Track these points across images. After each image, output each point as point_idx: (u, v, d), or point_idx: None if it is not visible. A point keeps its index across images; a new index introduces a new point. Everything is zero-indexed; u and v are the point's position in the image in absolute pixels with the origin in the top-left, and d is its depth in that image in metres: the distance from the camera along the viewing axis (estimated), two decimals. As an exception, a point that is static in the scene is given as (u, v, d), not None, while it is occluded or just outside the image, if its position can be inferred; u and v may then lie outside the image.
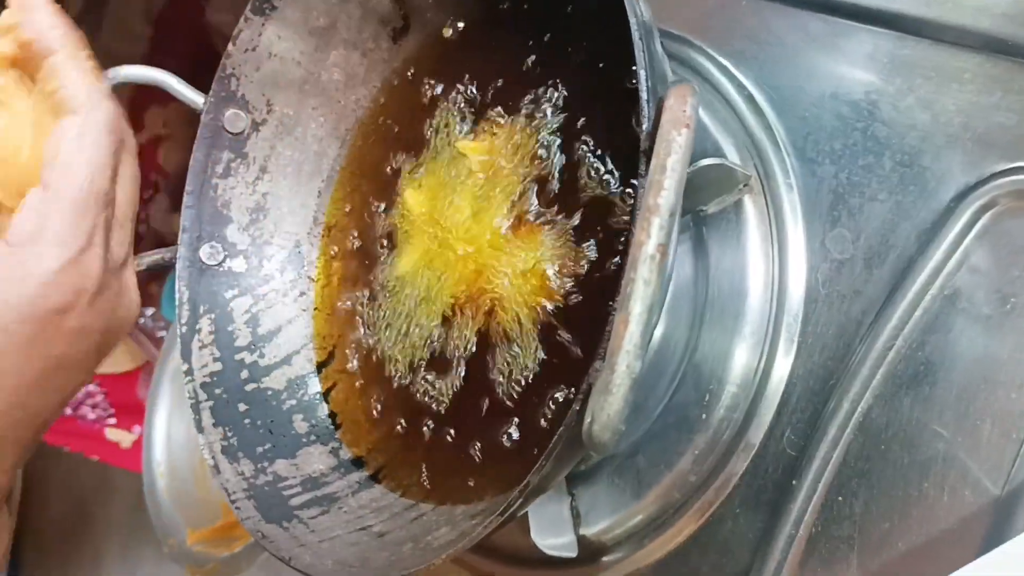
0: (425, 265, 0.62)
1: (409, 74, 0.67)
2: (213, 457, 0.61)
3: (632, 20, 0.42)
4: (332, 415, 0.66)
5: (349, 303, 0.67)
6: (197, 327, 0.65)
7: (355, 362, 0.66)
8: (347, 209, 0.69)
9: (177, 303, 0.65)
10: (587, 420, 0.35)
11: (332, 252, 0.69)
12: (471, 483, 0.57)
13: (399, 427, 0.62)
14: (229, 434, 0.63)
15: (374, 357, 0.65)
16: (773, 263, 0.56)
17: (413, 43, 0.67)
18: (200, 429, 0.62)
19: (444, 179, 0.62)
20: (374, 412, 0.64)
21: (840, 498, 0.53)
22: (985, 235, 0.51)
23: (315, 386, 0.67)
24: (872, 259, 0.53)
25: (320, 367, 0.67)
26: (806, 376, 0.54)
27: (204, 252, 0.67)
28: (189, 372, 0.64)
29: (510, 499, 0.44)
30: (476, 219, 0.60)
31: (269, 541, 0.56)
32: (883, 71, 0.54)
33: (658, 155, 0.37)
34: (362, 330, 0.66)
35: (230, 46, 0.65)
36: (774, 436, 0.55)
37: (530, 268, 0.56)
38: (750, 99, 0.58)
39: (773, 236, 0.56)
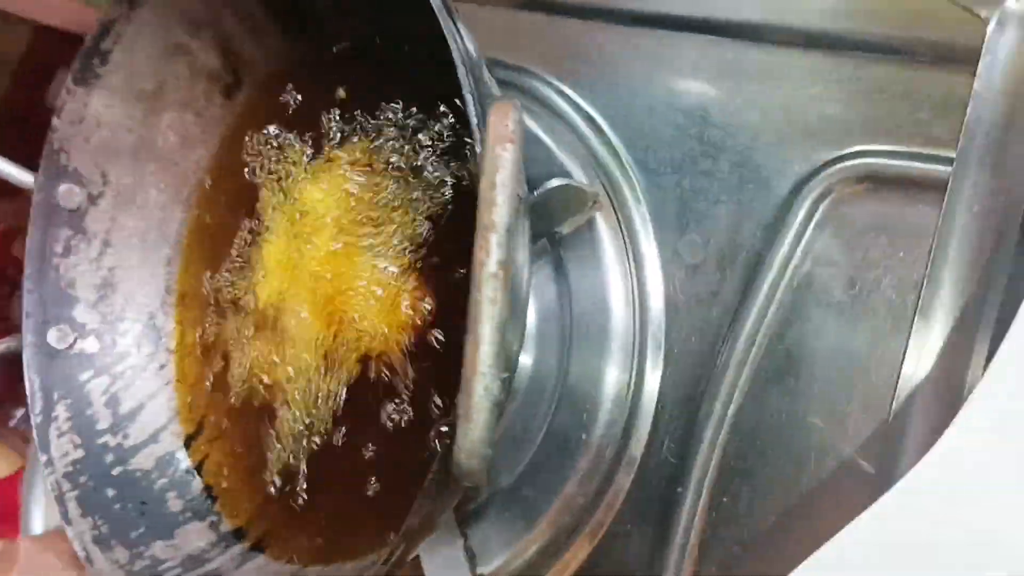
0: (283, 308, 0.61)
1: (245, 128, 0.66)
2: (84, 549, 0.59)
3: (455, 53, 0.42)
4: (207, 488, 0.63)
5: (212, 369, 0.65)
6: (53, 415, 0.63)
7: (225, 428, 0.64)
8: (199, 274, 0.67)
9: (28, 392, 0.62)
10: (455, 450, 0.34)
11: (188, 320, 0.67)
12: (358, 536, 0.55)
13: (273, 490, 0.60)
14: (99, 522, 0.60)
15: (243, 421, 0.63)
16: (631, 277, 0.57)
17: (246, 97, 0.66)
18: (68, 521, 0.60)
19: (293, 228, 0.61)
20: (249, 479, 0.62)
21: (725, 499, 0.54)
22: (826, 223, 0.53)
23: (185, 461, 0.65)
24: (723, 260, 0.55)
25: (189, 440, 0.65)
26: (677, 384, 0.55)
27: (52, 336, 0.64)
28: (49, 463, 0.61)
29: (391, 545, 0.43)
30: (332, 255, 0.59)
31: (152, 629, 0.54)
32: (711, 77, 0.56)
33: (487, 173, 0.37)
34: (230, 395, 0.64)
35: (55, 120, 0.63)
36: (654, 448, 0.55)
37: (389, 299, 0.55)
38: (589, 119, 0.59)
39: (628, 250, 0.57)
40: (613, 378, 0.56)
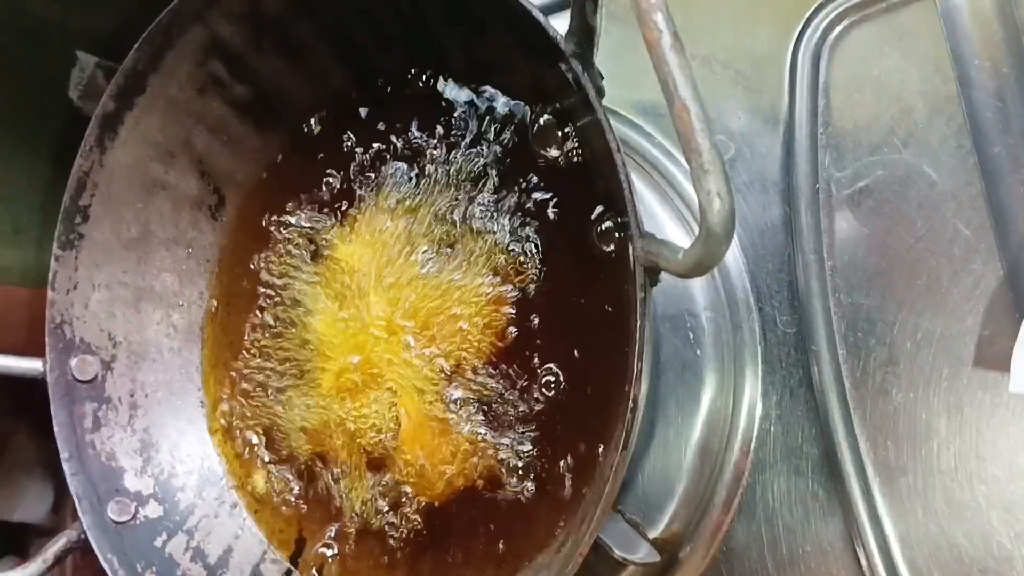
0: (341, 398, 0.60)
1: (242, 241, 0.66)
2: None
3: None
4: (335, 590, 0.59)
5: (288, 488, 0.62)
6: None
7: (332, 532, 0.60)
8: (232, 404, 0.65)
9: (109, 572, 0.57)
10: (707, 212, 0.35)
11: (238, 450, 0.64)
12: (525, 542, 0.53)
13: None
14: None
15: (346, 521, 0.60)
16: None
17: (233, 211, 0.66)
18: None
19: (337, 291, 0.61)
20: (383, 562, 0.58)
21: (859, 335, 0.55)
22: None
23: (300, 578, 0.60)
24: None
25: (295, 559, 0.60)
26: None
27: (112, 512, 0.60)
28: None
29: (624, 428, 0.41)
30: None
31: None
32: None
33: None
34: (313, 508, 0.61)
35: (50, 293, 0.62)
36: (766, 315, 0.56)
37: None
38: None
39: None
40: (698, 290, 0.58)
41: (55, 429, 0.60)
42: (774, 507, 0.55)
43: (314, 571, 0.60)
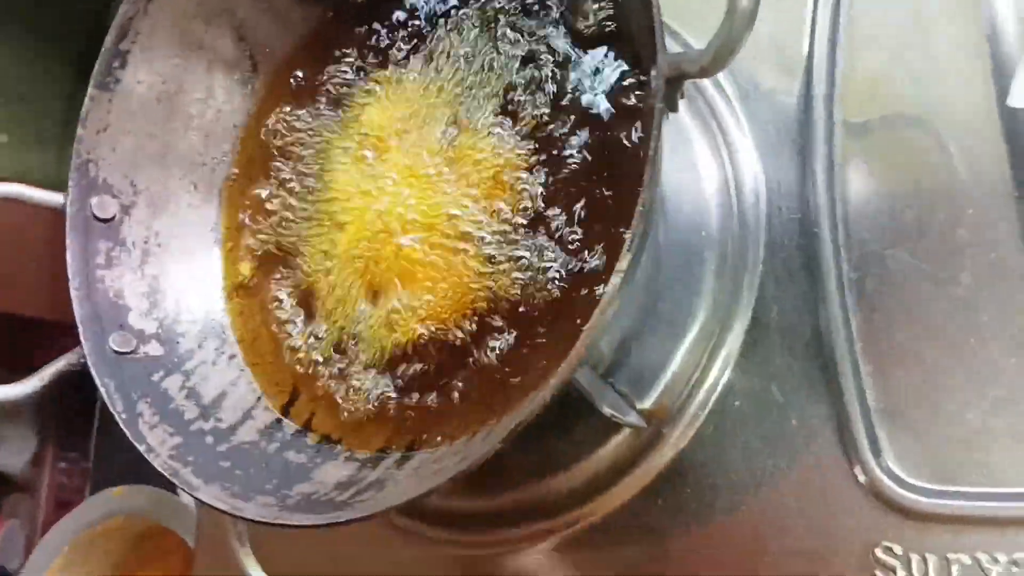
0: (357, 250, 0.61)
1: (268, 111, 0.68)
2: (226, 503, 0.53)
3: None
4: (325, 436, 0.59)
5: (289, 339, 0.63)
6: (137, 411, 0.59)
7: (326, 381, 0.61)
8: (246, 262, 0.66)
9: (104, 395, 0.58)
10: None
11: (248, 307, 0.65)
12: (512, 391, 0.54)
13: (398, 404, 0.58)
14: (227, 485, 0.56)
15: (332, 377, 0.61)
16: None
17: (265, 79, 0.68)
18: (194, 489, 0.54)
19: (359, 151, 0.62)
20: (368, 408, 0.59)
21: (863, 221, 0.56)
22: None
23: (291, 426, 0.61)
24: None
25: (288, 407, 0.61)
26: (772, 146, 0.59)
27: (115, 341, 0.61)
28: (150, 450, 0.57)
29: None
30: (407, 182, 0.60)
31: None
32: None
33: None
34: (309, 360, 0.62)
35: (80, 129, 0.64)
36: (773, 211, 0.58)
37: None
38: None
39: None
40: (710, 171, 0.60)
41: (68, 259, 0.62)
42: (763, 384, 0.57)
43: (299, 423, 0.62)
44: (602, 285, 0.50)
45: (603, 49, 0.55)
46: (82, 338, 0.60)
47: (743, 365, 0.58)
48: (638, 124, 0.52)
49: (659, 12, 0.43)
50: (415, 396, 0.58)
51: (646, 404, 0.58)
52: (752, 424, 0.57)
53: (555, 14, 0.58)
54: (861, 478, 0.53)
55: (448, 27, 0.62)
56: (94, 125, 0.64)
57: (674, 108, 0.45)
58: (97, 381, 0.59)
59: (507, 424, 0.47)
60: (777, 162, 0.60)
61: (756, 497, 0.56)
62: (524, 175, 0.56)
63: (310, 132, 0.67)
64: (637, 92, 0.53)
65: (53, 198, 0.63)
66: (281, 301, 0.64)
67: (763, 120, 0.61)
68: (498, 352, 0.55)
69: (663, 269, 0.60)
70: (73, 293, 0.62)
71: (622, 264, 0.43)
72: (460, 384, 0.57)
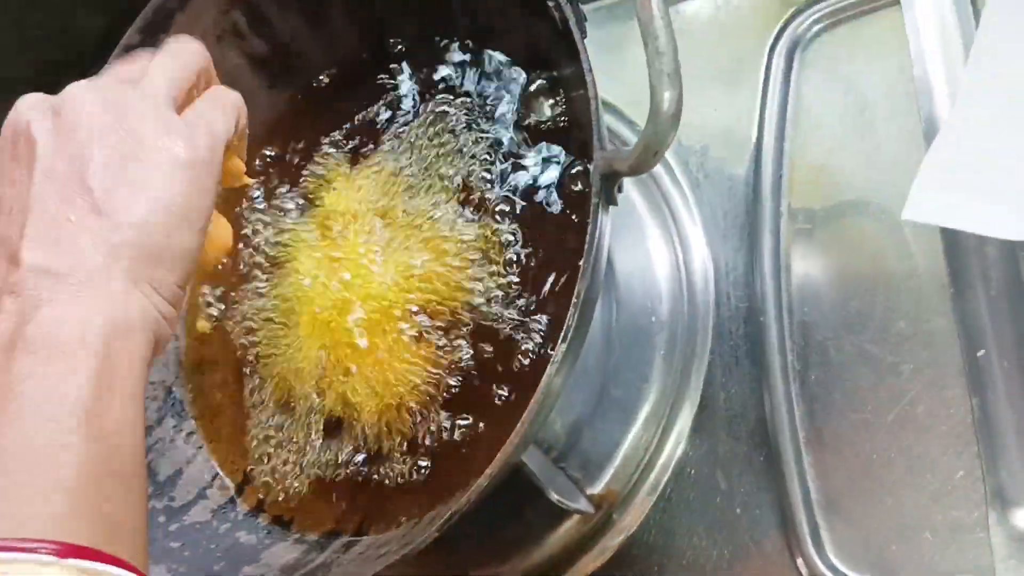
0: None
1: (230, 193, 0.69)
2: (169, 583, 0.53)
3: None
4: (276, 518, 0.60)
5: (245, 424, 0.64)
6: None
7: (280, 461, 0.61)
8: (207, 340, 0.67)
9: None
10: (657, 91, 0.38)
11: (209, 384, 0.66)
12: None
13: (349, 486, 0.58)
14: (174, 566, 0.56)
15: (288, 455, 0.61)
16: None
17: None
18: (139, 569, 0.54)
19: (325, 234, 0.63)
20: (321, 493, 0.59)
21: (806, 309, 0.57)
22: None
23: (244, 507, 0.61)
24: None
25: (241, 487, 0.62)
26: (723, 238, 0.60)
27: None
28: None
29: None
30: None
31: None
32: None
33: None
34: (266, 437, 0.63)
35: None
36: (721, 299, 0.59)
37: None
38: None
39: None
40: (662, 257, 0.61)
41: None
42: (710, 471, 0.57)
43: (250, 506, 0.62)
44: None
45: (544, 144, 0.56)
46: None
47: (690, 451, 0.58)
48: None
49: (599, 112, 0.45)
50: (367, 477, 0.58)
51: (596, 489, 0.59)
52: (699, 511, 0.57)
53: (509, 114, 0.60)
54: (803, 570, 0.53)
55: (409, 119, 0.64)
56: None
57: (612, 202, 0.46)
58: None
59: (443, 513, 0.47)
60: (726, 249, 0.61)
61: (700, 585, 0.56)
62: (480, 260, 0.57)
63: (267, 216, 0.68)
64: (580, 183, 0.55)
65: None
66: (240, 381, 0.65)
67: (713, 207, 0.62)
68: (453, 435, 0.56)
69: (615, 352, 0.61)
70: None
71: (557, 355, 0.44)
72: (416, 466, 0.57)
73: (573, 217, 0.55)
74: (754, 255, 0.60)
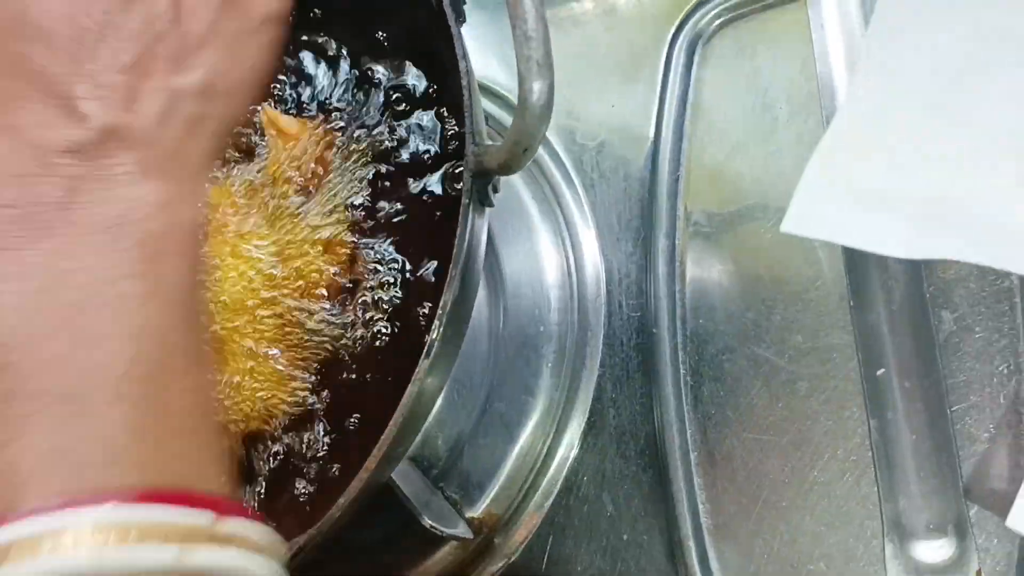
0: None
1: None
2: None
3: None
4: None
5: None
6: None
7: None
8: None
9: None
10: (525, 81, 0.34)
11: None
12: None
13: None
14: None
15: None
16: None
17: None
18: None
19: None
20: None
21: (701, 320, 0.54)
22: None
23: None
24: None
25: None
26: (616, 244, 0.57)
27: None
28: None
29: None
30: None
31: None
32: None
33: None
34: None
35: None
36: (613, 309, 0.56)
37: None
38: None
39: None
40: (552, 262, 0.57)
41: None
42: (596, 492, 0.53)
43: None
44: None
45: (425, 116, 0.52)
46: None
47: (577, 471, 0.54)
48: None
49: (472, 102, 0.40)
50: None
51: (477, 512, 0.55)
52: (584, 536, 0.53)
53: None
54: (693, 600, 0.50)
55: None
56: None
57: (486, 203, 0.42)
58: None
59: (292, 545, 0.42)
60: (619, 254, 0.58)
61: (584, 620, 0.52)
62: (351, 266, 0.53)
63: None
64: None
65: None
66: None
67: (607, 209, 0.58)
68: (317, 449, 0.51)
69: (500, 363, 0.57)
70: None
71: (418, 372, 0.39)
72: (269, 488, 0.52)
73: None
74: (648, 260, 0.56)
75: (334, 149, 0.55)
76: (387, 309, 0.50)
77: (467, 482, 0.55)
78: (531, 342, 0.56)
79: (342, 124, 0.55)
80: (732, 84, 0.58)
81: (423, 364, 0.40)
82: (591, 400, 0.55)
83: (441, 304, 0.40)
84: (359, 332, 0.50)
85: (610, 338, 0.56)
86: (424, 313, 0.49)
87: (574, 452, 0.55)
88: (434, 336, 0.40)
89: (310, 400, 0.50)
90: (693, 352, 0.53)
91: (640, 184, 0.58)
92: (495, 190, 0.43)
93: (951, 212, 0.43)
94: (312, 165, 0.54)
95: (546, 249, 0.59)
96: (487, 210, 0.43)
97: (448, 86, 0.53)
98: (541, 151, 0.60)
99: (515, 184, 0.59)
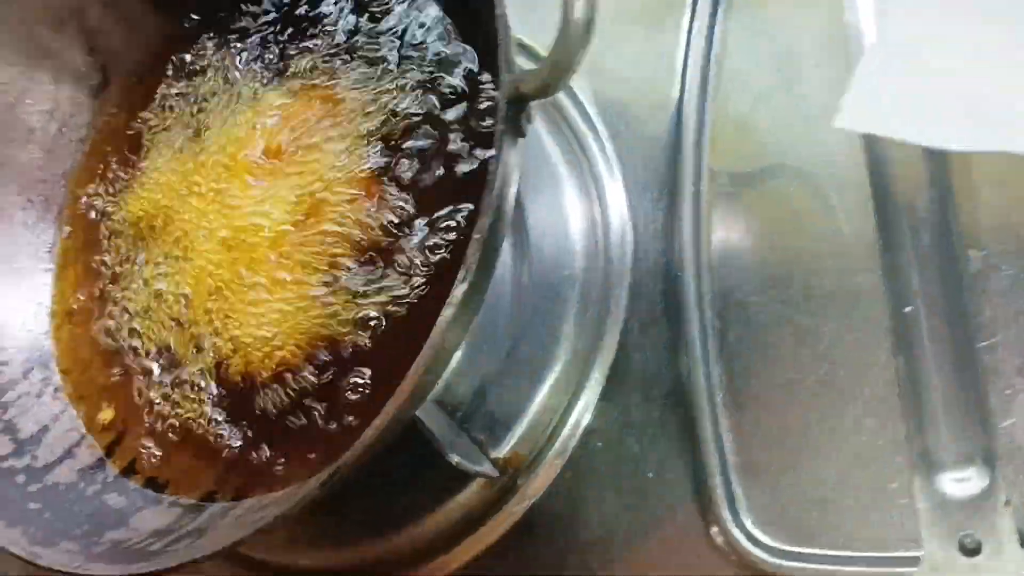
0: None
1: (118, 125, 0.63)
2: (25, 550, 0.48)
3: None
4: (150, 480, 0.54)
5: (116, 376, 0.58)
6: None
7: (151, 423, 0.56)
8: (80, 288, 0.61)
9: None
10: (571, 6, 0.35)
11: (76, 338, 0.60)
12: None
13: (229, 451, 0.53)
14: (31, 529, 0.50)
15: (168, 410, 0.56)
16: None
17: (114, 94, 0.64)
18: (-10, 535, 0.48)
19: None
20: (197, 451, 0.54)
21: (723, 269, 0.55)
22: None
23: (115, 468, 0.56)
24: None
25: (111, 448, 0.56)
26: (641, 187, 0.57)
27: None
28: None
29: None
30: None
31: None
32: None
33: None
34: (144, 392, 0.57)
35: None
36: (640, 253, 0.56)
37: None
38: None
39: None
40: (577, 208, 0.57)
41: None
42: (621, 435, 0.54)
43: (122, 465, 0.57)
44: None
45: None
46: None
47: (602, 414, 0.55)
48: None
49: (506, 26, 0.41)
50: (250, 439, 0.53)
51: (501, 452, 0.55)
52: (609, 477, 0.54)
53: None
54: (718, 539, 0.50)
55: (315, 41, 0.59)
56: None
57: (520, 132, 0.42)
58: None
59: (329, 468, 0.42)
60: (645, 204, 0.58)
61: (609, 556, 0.52)
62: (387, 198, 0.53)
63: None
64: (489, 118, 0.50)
65: None
66: (115, 331, 0.59)
67: (633, 160, 0.59)
68: (345, 391, 0.51)
69: (525, 308, 0.57)
70: None
71: (454, 296, 0.40)
72: (299, 423, 0.52)
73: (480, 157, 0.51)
74: (674, 212, 0.56)
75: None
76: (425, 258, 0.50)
77: (492, 424, 0.55)
78: (557, 288, 0.56)
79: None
80: (758, 32, 0.58)
81: (460, 288, 0.40)
82: (616, 345, 0.55)
83: (477, 227, 0.41)
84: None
85: (636, 285, 0.56)
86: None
87: (599, 395, 0.55)
88: (471, 261, 0.40)
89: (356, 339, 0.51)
90: (719, 298, 0.54)
91: (666, 138, 0.58)
92: (528, 120, 0.43)
93: (996, 107, 0.45)
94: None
95: (572, 199, 0.59)
96: (520, 143, 0.44)
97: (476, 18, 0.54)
98: (565, 100, 0.61)
99: (540, 133, 0.60)
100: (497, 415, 0.55)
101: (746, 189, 0.56)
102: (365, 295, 0.50)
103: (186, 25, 0.63)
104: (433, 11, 0.54)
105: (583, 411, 0.56)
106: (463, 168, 0.50)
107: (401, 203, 0.51)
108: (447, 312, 0.40)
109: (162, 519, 0.52)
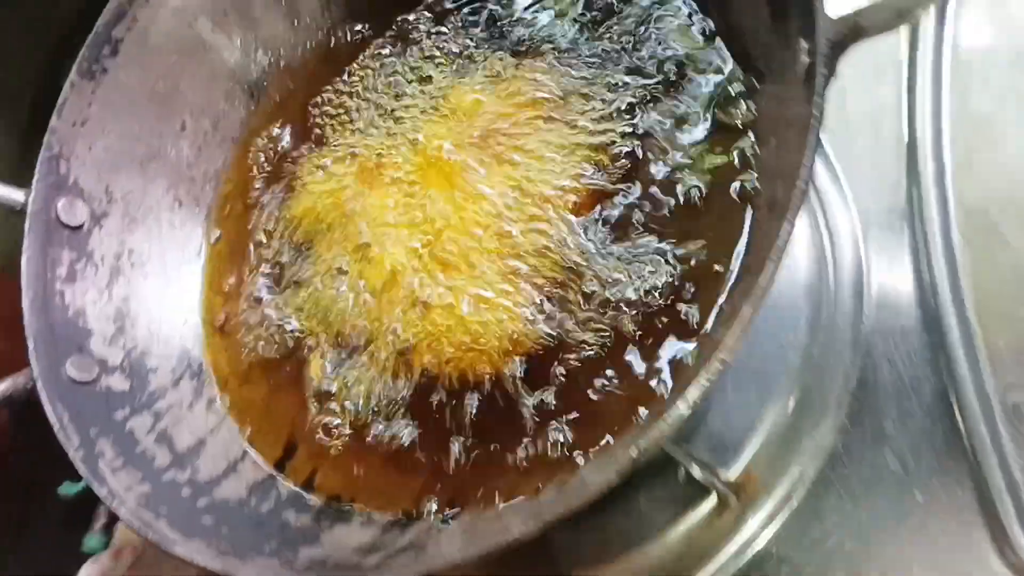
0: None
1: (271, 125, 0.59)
2: (214, 561, 0.41)
3: None
4: (334, 498, 0.48)
5: (280, 391, 0.52)
6: (97, 451, 0.46)
7: (329, 438, 0.50)
8: (230, 295, 0.56)
9: (56, 426, 0.45)
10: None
11: (231, 346, 0.54)
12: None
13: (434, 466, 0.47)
14: (216, 541, 0.43)
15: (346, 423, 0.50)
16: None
17: (272, 91, 0.60)
18: (172, 543, 0.41)
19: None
20: (390, 470, 0.48)
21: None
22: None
23: (287, 485, 0.49)
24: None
25: (282, 463, 0.50)
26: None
27: (72, 365, 0.49)
28: (112, 495, 0.44)
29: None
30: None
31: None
32: None
33: None
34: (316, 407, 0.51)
35: (54, 119, 0.54)
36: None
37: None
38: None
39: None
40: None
41: (23, 265, 0.50)
42: (876, 449, 0.48)
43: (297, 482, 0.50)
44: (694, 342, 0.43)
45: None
46: (32, 357, 0.48)
47: (849, 429, 0.49)
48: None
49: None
50: (452, 453, 0.47)
51: (731, 475, 0.49)
52: (864, 495, 0.47)
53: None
54: (1011, 558, 0.44)
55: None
56: (71, 116, 0.54)
57: (832, 73, 0.38)
58: (47, 408, 0.47)
59: (606, 462, 0.36)
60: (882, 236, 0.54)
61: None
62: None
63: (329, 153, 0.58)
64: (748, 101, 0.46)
65: (11, 194, 0.52)
66: (277, 339, 0.53)
67: (861, 162, 0.54)
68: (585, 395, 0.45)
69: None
70: (26, 304, 0.50)
71: (779, 243, 0.35)
72: (509, 439, 0.46)
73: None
74: (916, 221, 0.52)
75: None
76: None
77: (718, 444, 0.49)
78: (786, 296, 0.52)
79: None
80: (988, 30, 0.55)
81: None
82: (860, 356, 0.50)
83: (800, 177, 0.36)
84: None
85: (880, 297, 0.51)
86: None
87: (845, 409, 0.50)
88: (781, 239, 0.35)
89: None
90: (980, 305, 0.49)
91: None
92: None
93: None
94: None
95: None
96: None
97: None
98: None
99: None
100: (723, 433, 0.50)
101: (995, 189, 0.51)
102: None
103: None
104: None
105: (827, 427, 0.50)
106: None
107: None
108: (771, 266, 0.35)
109: (361, 536, 0.46)
